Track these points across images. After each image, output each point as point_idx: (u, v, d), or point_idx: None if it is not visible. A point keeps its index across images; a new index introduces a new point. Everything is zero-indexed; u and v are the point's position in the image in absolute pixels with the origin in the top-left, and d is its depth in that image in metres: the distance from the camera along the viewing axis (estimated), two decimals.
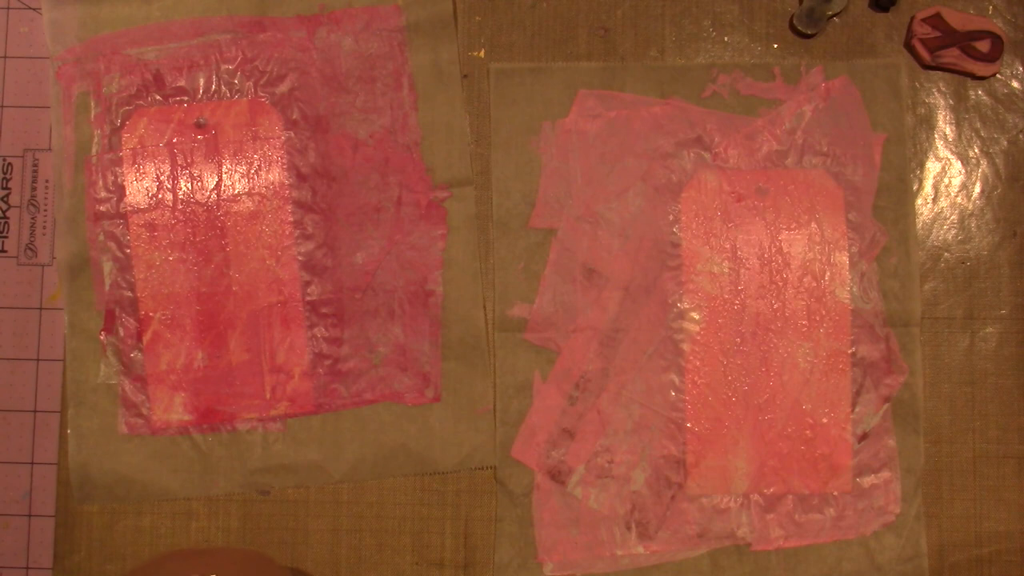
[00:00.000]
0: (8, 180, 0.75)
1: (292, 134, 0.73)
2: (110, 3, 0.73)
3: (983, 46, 0.72)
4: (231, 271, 0.72)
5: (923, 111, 0.73)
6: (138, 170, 0.73)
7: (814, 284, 0.71)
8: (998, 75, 0.73)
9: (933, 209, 0.73)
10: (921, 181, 0.73)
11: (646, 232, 0.72)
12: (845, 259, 0.71)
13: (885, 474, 0.70)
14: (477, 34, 0.74)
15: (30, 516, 0.73)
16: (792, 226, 0.72)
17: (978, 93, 0.73)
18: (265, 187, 0.73)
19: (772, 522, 0.70)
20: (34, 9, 0.76)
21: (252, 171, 0.73)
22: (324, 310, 0.72)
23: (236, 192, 0.73)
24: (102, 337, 0.72)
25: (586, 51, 0.74)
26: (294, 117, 0.73)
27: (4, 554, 0.73)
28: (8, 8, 0.76)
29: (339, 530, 0.72)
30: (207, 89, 0.73)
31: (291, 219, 0.72)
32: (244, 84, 0.73)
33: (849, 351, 0.71)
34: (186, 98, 0.73)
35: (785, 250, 0.72)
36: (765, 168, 0.72)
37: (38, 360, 0.74)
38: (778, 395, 0.71)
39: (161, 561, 0.63)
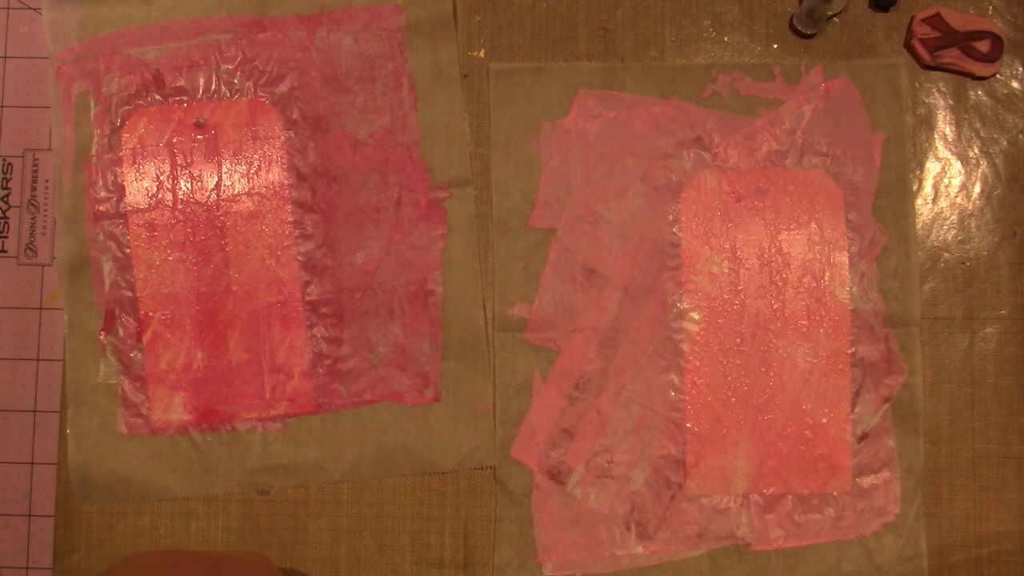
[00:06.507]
0: (8, 180, 0.75)
1: (292, 134, 0.73)
2: (110, 3, 0.73)
3: (983, 46, 0.72)
4: (231, 271, 0.72)
5: (923, 111, 0.73)
6: (138, 170, 0.73)
7: (814, 284, 0.71)
8: (998, 75, 0.73)
9: (933, 209, 0.73)
10: (921, 181, 0.73)
11: (646, 232, 0.72)
12: (845, 259, 0.71)
13: (885, 474, 0.70)
14: (477, 34, 0.74)
15: (30, 516, 0.73)
16: (792, 226, 0.72)
17: (978, 93, 0.73)
18: (265, 187, 0.73)
19: (772, 522, 0.70)
20: (34, 9, 0.76)
21: (252, 171, 0.73)
22: (324, 310, 0.72)
23: (236, 192, 0.73)
24: (102, 337, 0.72)
25: (586, 51, 0.74)
26: (294, 117, 0.73)
27: (4, 554, 0.73)
28: (8, 8, 0.76)
29: (339, 530, 0.72)
30: (207, 89, 0.73)
31: (291, 219, 0.72)
32: (244, 84, 0.73)
33: (849, 351, 0.71)
34: (186, 98, 0.73)
35: (785, 250, 0.72)
36: (765, 168, 0.72)
37: (38, 360, 0.74)
38: (778, 395, 0.71)
39: (162, 562, 0.63)
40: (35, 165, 0.75)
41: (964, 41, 0.72)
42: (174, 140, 0.73)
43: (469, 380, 0.72)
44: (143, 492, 0.72)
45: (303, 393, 0.72)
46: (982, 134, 0.73)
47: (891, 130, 0.72)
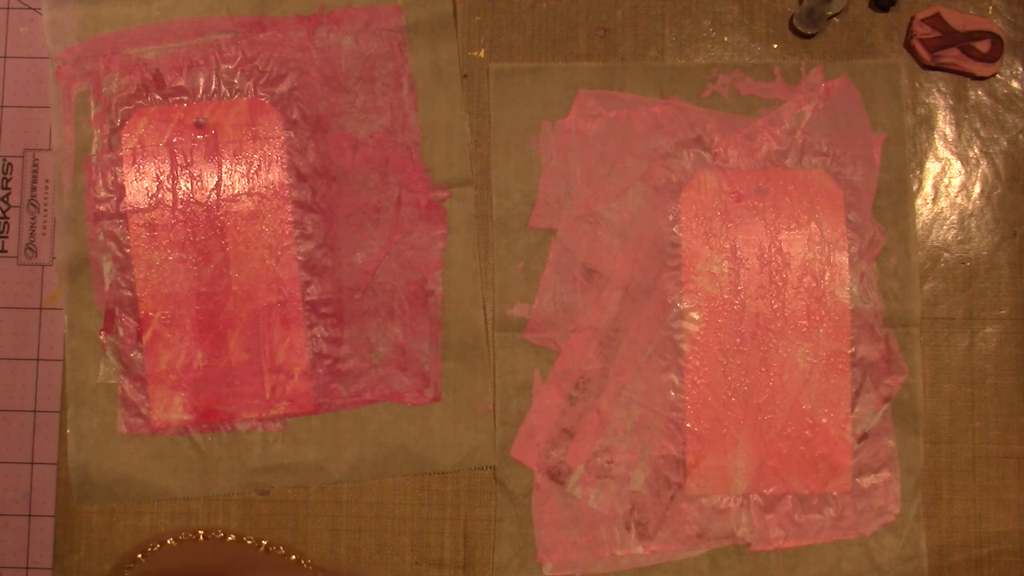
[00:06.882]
0: (8, 180, 0.75)
1: (292, 134, 0.73)
2: (110, 3, 0.73)
3: (983, 46, 0.72)
4: (231, 271, 0.72)
5: (923, 111, 0.73)
6: (138, 170, 0.73)
7: (814, 284, 0.71)
8: (998, 75, 0.73)
9: (933, 209, 0.73)
10: (921, 181, 0.73)
11: (646, 232, 0.72)
12: (845, 259, 0.71)
13: (885, 474, 0.70)
14: (477, 34, 0.74)
15: (30, 516, 0.73)
16: (792, 226, 0.72)
17: (978, 93, 0.73)
18: (265, 187, 0.73)
19: (772, 522, 0.70)
20: (34, 9, 0.76)
21: (252, 171, 0.73)
22: (324, 310, 0.72)
23: (236, 192, 0.73)
24: (102, 337, 0.72)
25: (586, 51, 0.74)
26: (294, 117, 0.73)
27: (4, 554, 0.73)
28: (8, 8, 0.76)
29: (339, 530, 0.72)
30: (207, 89, 0.73)
31: (291, 219, 0.72)
32: (244, 84, 0.73)
33: (849, 351, 0.71)
34: (186, 98, 0.73)
35: (785, 250, 0.72)
36: (765, 168, 0.72)
37: (38, 360, 0.74)
38: (778, 395, 0.71)
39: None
40: (35, 165, 0.75)
41: (964, 41, 0.72)
42: (174, 140, 0.73)
43: (469, 380, 0.72)
44: (143, 492, 0.72)
45: (303, 393, 0.72)
46: (982, 134, 0.73)
47: (891, 130, 0.72)
